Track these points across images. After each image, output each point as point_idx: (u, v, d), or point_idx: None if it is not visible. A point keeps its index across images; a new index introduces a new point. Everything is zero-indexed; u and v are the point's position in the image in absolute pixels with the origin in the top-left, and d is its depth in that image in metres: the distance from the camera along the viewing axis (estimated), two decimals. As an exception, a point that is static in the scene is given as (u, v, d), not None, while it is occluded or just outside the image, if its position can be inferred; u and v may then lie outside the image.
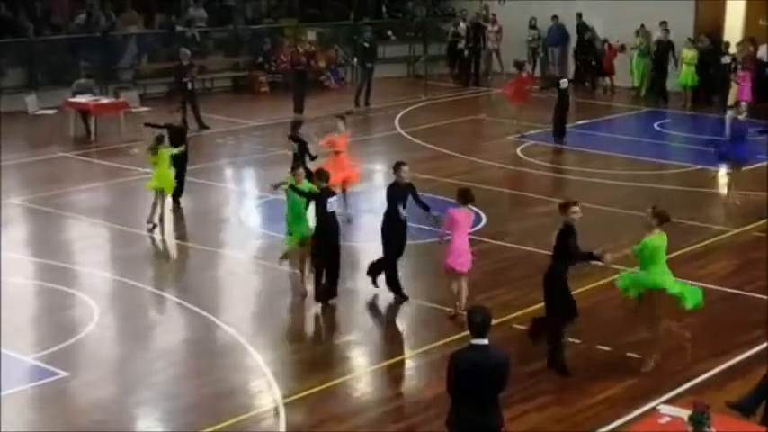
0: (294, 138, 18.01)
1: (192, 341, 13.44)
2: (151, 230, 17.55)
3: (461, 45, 33.99)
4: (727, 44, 30.06)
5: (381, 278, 14.73)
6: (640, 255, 12.22)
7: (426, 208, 14.47)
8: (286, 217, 14.74)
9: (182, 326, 13.94)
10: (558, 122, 25.28)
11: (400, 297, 14.54)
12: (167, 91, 29.42)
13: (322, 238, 14.14)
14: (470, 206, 13.82)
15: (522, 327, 13.18)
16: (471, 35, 34.10)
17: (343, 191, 18.05)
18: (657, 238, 12.23)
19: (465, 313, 13.34)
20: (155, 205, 17.69)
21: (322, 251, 14.17)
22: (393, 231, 14.36)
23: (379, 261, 14.74)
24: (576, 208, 12.23)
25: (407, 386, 12.28)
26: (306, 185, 14.40)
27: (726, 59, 29.53)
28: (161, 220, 17.77)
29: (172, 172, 18.12)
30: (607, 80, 32.46)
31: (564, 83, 25.44)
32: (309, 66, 30.63)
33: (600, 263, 12.49)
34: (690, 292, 12.30)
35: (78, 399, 11.77)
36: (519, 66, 26.96)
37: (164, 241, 17.65)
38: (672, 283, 12.22)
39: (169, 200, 18.26)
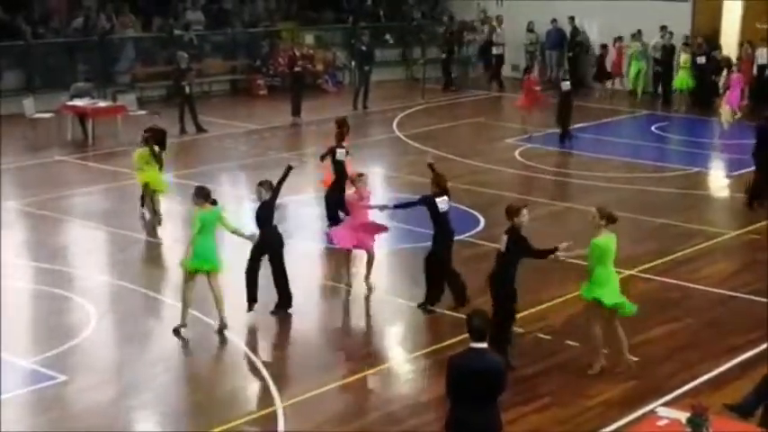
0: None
1: (190, 345, 13.42)
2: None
3: (496, 51, 33.87)
4: (704, 44, 30.21)
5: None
6: (589, 255, 12.13)
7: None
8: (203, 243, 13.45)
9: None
10: (563, 125, 25.30)
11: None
12: (165, 94, 29.44)
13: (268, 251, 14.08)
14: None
15: (521, 330, 13.18)
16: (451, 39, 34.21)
17: None
18: (605, 240, 12.11)
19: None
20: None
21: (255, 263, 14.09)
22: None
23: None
24: (524, 211, 12.28)
25: (406, 389, 12.27)
26: (215, 212, 13.53)
27: (701, 60, 29.59)
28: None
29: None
30: (609, 83, 32.50)
31: (566, 84, 25.42)
32: (307, 69, 30.67)
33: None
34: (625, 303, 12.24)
35: (76, 403, 11.76)
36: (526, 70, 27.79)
37: (161, 245, 17.66)
38: (609, 295, 12.11)
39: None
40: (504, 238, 12.17)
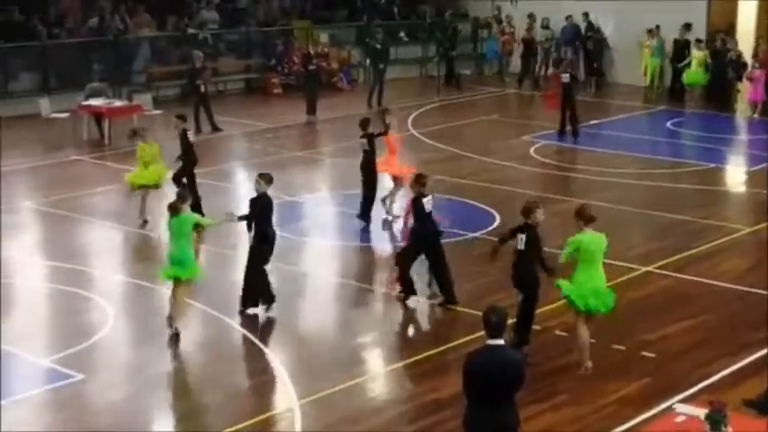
0: (366, 135, 18.04)
1: (207, 343, 13.45)
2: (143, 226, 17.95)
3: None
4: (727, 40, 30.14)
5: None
6: (575, 254, 12.10)
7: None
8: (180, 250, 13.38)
9: (197, 328, 13.94)
10: (562, 119, 25.19)
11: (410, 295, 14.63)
12: (180, 93, 29.50)
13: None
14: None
15: (538, 327, 13.17)
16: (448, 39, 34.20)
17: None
18: (588, 237, 12.03)
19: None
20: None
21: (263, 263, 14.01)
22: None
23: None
24: (540, 210, 12.46)
25: (423, 387, 12.25)
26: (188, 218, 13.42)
27: (731, 55, 29.48)
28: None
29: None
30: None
31: (565, 77, 25.29)
32: (321, 67, 30.67)
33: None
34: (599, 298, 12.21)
35: (94, 401, 11.79)
36: (556, 64, 27.42)
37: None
38: (581, 297, 12.09)
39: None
40: (523, 236, 12.35)
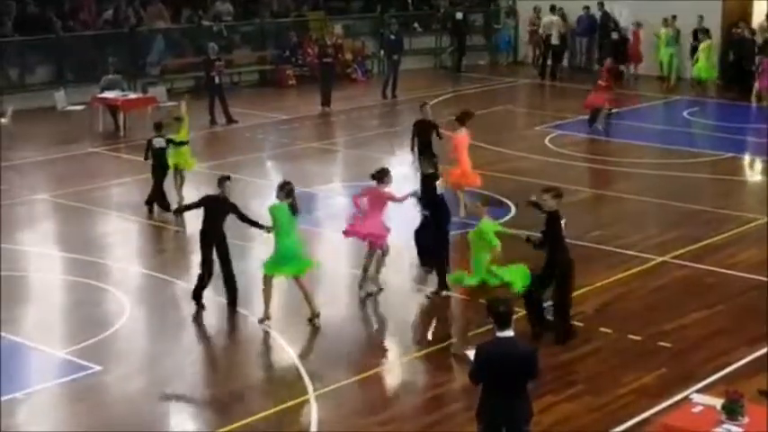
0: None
1: (223, 335, 13.48)
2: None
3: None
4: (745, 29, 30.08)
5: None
6: (475, 238, 12.42)
7: None
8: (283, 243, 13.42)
9: (213, 320, 13.98)
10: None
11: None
12: (195, 85, 29.52)
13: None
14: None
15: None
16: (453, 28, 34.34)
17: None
18: (487, 223, 12.42)
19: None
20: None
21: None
22: None
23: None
24: (545, 196, 12.68)
25: (438, 378, 12.26)
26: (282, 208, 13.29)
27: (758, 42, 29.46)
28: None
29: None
30: (632, 68, 32.44)
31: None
32: (336, 59, 30.66)
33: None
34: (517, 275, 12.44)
35: (111, 393, 11.84)
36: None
37: (194, 235, 17.69)
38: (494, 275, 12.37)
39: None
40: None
